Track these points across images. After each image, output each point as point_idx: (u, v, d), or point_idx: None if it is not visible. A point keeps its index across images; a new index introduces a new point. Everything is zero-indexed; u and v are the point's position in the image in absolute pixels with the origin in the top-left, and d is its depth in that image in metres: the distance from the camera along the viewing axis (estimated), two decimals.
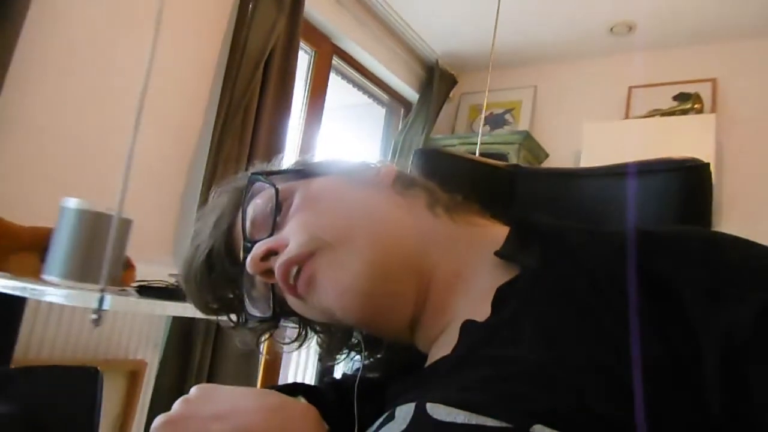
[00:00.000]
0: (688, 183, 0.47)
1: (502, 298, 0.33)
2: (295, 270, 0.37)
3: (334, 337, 0.45)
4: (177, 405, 0.33)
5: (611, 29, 1.99)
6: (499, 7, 1.70)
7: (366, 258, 0.35)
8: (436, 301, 0.37)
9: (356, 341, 0.43)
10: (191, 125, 1.47)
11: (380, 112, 2.42)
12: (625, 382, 0.25)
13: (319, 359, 0.48)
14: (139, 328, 1.23)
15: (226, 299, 0.44)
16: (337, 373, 0.55)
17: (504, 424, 0.24)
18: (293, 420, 0.32)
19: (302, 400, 0.36)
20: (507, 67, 2.17)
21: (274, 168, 0.45)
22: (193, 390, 0.35)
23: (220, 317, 0.46)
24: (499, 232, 0.38)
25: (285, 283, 0.37)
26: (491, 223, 0.41)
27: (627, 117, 2.18)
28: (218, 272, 0.43)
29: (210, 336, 1.33)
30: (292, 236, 0.38)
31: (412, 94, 2.32)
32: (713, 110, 2.03)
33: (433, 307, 0.37)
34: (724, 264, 0.27)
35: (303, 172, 0.44)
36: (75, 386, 0.34)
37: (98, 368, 0.36)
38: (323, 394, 0.41)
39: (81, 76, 1.19)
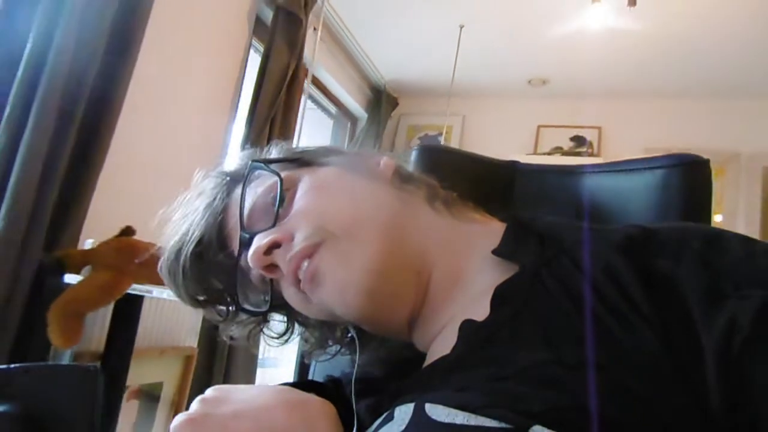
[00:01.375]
0: (689, 179, 0.47)
1: (500, 297, 0.33)
2: (306, 264, 0.35)
3: (326, 333, 0.44)
4: (195, 404, 0.32)
5: (529, 81, 2.56)
6: (458, 45, 2.11)
7: (370, 253, 0.35)
8: (434, 300, 0.37)
9: (349, 338, 0.42)
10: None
11: (326, 120, 2.58)
12: (624, 381, 0.25)
13: (304, 354, 0.46)
14: (189, 320, 1.49)
15: (214, 291, 0.41)
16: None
17: (503, 425, 0.24)
18: (312, 417, 0.31)
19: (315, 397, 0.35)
20: (442, 96, 2.47)
21: (274, 156, 0.43)
22: (209, 390, 0.33)
23: (206, 310, 0.43)
24: (496, 230, 0.38)
25: (295, 278, 0.35)
26: (489, 219, 0.41)
27: (534, 152, 2.53)
28: (208, 263, 0.40)
29: None
30: (300, 229, 0.36)
31: (359, 111, 2.66)
32: (599, 153, 2.48)
33: (432, 305, 0.37)
34: (724, 262, 0.27)
35: (303, 161, 0.42)
36: (74, 385, 0.31)
37: (98, 366, 0.32)
38: (329, 392, 0.40)
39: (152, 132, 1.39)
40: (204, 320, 1.52)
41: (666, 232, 0.31)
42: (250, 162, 0.40)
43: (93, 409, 0.30)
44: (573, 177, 0.59)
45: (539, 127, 2.66)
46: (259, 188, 0.39)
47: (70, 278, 1.00)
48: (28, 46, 0.94)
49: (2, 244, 0.91)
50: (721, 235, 0.30)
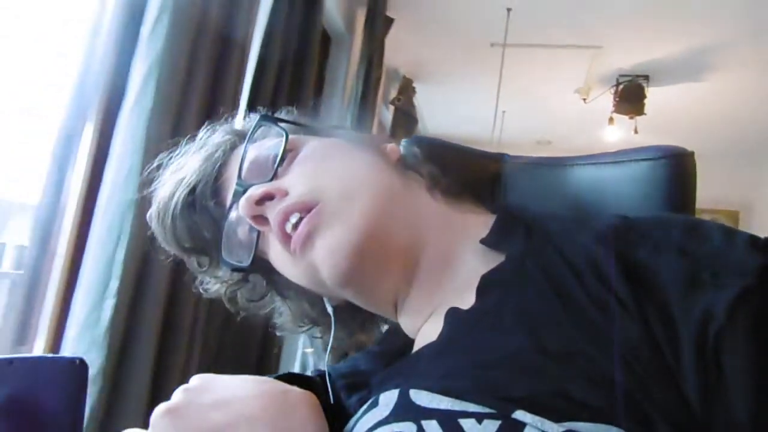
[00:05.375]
0: (674, 171, 0.47)
1: (486, 285, 0.33)
2: (295, 219, 0.35)
3: (303, 308, 0.44)
4: (176, 394, 0.32)
5: (538, 141, 3.63)
6: (502, 123, 3.07)
7: (365, 221, 0.35)
8: (421, 282, 0.37)
9: (326, 316, 0.42)
10: None
11: None
12: (605, 369, 0.25)
13: (277, 327, 0.47)
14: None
15: (200, 240, 0.41)
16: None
17: (487, 410, 0.25)
18: (293, 407, 0.31)
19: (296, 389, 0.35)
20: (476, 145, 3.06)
21: (284, 117, 0.43)
22: (193, 379, 0.33)
23: (189, 259, 0.43)
24: (488, 220, 0.39)
25: (281, 230, 0.36)
26: (483, 211, 0.42)
27: None
28: (199, 210, 0.40)
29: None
30: (295, 186, 0.37)
31: None
32: None
33: (419, 288, 0.37)
34: (703, 251, 0.28)
35: (311, 128, 0.42)
36: (59, 378, 0.30)
37: (84, 359, 0.31)
38: (315, 386, 0.40)
39: None
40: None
41: (647, 222, 0.31)
42: (258, 117, 0.40)
43: (77, 403, 0.29)
44: (560, 169, 0.58)
45: None
46: (263, 145, 0.39)
47: None
48: None
49: None
50: (700, 224, 0.30)
